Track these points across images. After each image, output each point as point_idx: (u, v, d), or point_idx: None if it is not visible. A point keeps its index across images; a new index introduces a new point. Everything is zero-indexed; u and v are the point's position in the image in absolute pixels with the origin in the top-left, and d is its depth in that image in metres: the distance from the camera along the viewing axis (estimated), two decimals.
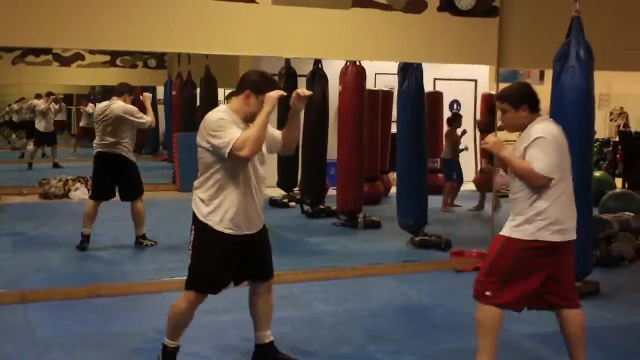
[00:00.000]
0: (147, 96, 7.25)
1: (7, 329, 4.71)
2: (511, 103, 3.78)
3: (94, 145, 7.04)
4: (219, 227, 3.75)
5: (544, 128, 3.70)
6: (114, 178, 7.01)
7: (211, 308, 5.10)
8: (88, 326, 4.81)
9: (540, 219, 3.65)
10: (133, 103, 7.18)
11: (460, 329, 4.88)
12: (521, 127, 3.79)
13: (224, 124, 3.67)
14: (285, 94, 3.76)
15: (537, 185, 3.63)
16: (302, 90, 3.90)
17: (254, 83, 3.77)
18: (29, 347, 4.39)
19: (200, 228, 3.80)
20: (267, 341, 4.10)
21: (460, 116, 10.55)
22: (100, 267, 6.44)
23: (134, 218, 7.15)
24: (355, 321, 4.94)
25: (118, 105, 6.93)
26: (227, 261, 3.83)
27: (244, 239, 3.81)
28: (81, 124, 15.63)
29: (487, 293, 3.71)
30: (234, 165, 3.70)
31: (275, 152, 4.12)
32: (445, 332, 4.82)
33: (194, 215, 3.83)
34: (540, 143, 3.64)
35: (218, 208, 3.75)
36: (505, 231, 3.76)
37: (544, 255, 3.67)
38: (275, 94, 3.71)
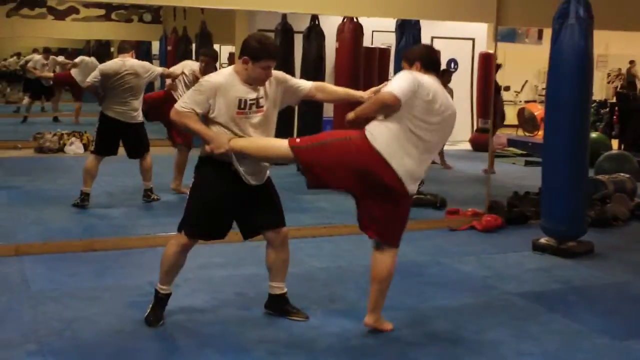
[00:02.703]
0: None
1: (2, 282, 4.71)
2: (406, 60, 3.98)
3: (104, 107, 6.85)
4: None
5: (420, 76, 3.76)
6: (121, 138, 6.95)
7: (207, 263, 5.13)
8: (82, 279, 4.82)
9: None
10: None
11: (453, 287, 4.92)
12: None
13: (197, 88, 3.84)
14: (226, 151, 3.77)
15: (385, 101, 3.65)
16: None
17: (252, 50, 3.82)
18: (24, 299, 4.39)
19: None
20: (277, 293, 4.16)
21: (450, 72, 10.35)
22: (94, 222, 6.44)
23: (143, 173, 7.14)
24: (348, 278, 4.96)
25: (136, 62, 6.83)
26: (218, 203, 3.90)
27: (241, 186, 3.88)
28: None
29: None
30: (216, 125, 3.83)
31: (295, 104, 4.34)
32: (439, 290, 4.85)
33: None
34: (400, 74, 3.79)
35: None
36: None
37: None
38: (219, 150, 3.75)
